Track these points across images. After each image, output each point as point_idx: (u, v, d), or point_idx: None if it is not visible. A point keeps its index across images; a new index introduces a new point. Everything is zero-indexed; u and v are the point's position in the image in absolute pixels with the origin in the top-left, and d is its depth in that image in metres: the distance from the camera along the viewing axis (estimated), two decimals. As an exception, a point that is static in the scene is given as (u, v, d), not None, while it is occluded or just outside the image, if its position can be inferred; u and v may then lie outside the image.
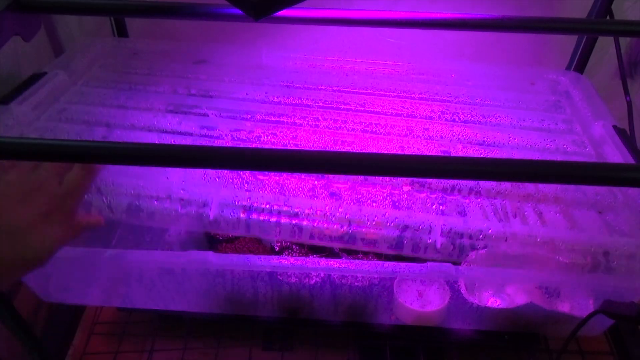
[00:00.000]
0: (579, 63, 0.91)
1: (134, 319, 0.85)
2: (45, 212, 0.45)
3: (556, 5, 0.93)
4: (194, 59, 0.87)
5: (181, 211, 0.51)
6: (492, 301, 0.72)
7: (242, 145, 0.69)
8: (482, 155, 0.71)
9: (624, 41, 0.93)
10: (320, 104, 0.82)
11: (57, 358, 0.80)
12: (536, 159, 0.63)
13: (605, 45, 0.92)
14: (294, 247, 0.82)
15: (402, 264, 0.65)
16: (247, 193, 0.54)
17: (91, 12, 0.67)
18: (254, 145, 0.68)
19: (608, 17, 0.82)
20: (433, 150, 0.72)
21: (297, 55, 0.93)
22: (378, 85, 0.87)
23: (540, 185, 0.68)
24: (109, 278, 0.71)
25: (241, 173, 0.60)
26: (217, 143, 0.66)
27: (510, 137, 0.78)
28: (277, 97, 0.81)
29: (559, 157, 0.74)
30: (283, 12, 0.61)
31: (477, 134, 0.77)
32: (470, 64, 0.93)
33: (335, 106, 0.83)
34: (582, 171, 0.41)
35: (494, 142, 0.77)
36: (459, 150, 0.73)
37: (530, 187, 0.68)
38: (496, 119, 0.82)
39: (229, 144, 0.66)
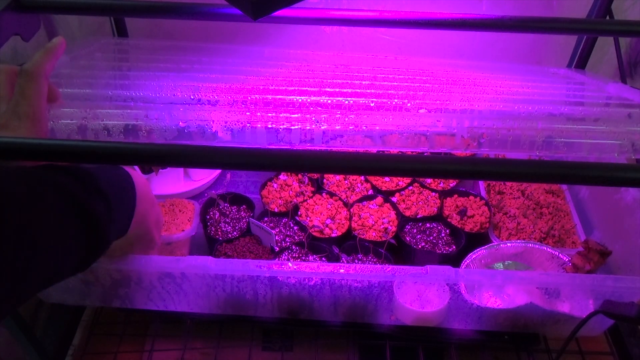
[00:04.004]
0: (579, 63, 0.91)
1: (134, 319, 0.85)
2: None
3: (556, 5, 0.93)
4: (193, 59, 0.87)
5: (182, 125, 0.50)
6: (492, 301, 0.72)
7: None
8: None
9: (624, 41, 0.93)
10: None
11: (57, 358, 0.80)
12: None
13: (605, 45, 0.92)
14: (293, 247, 0.82)
15: (402, 268, 0.65)
16: (247, 114, 0.52)
17: (91, 12, 0.67)
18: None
19: (608, 17, 0.82)
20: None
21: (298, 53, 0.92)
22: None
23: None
24: (109, 281, 0.70)
25: (237, 98, 0.60)
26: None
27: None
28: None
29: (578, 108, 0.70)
30: (282, 12, 0.61)
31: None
32: (471, 62, 0.93)
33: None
34: (582, 171, 0.41)
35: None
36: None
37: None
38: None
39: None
